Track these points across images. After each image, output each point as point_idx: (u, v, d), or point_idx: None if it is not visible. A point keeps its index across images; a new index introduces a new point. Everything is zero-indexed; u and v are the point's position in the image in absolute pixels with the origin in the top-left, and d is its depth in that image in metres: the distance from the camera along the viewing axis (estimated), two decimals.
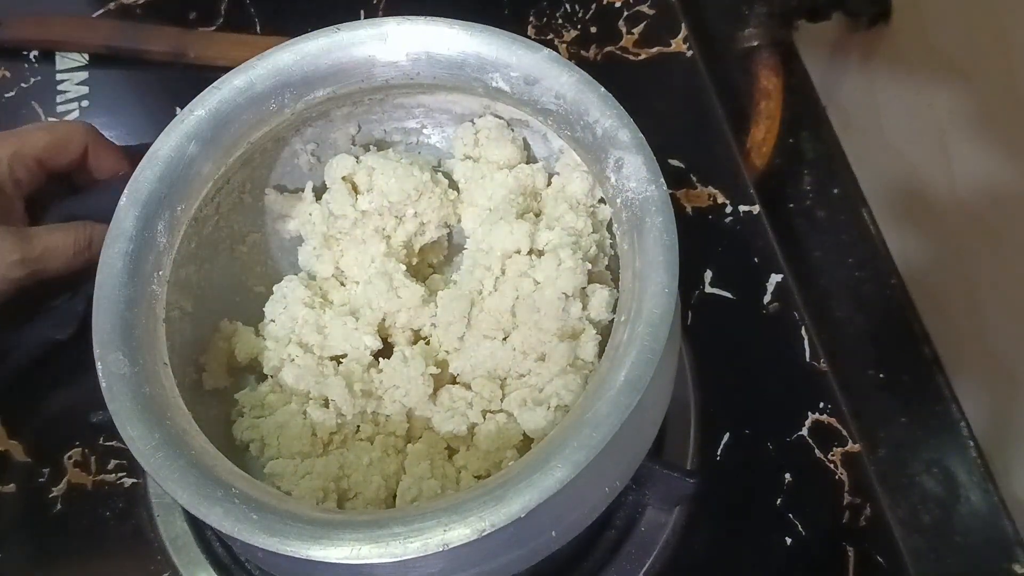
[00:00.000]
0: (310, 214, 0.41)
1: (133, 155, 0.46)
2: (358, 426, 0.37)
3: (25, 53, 0.61)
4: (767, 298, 0.50)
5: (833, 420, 0.47)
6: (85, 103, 0.59)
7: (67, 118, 0.58)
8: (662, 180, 0.33)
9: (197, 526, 0.44)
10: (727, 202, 0.53)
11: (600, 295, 0.36)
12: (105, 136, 0.47)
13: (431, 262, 0.43)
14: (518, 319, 0.36)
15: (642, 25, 0.59)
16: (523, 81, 0.36)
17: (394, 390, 0.37)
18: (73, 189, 0.47)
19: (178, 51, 0.59)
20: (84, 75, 0.60)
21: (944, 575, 0.52)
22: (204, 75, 0.37)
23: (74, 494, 0.46)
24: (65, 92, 0.60)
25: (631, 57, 0.59)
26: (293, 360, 0.38)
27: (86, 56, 0.61)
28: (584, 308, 0.36)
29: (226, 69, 0.37)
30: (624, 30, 0.59)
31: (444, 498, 0.30)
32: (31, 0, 0.63)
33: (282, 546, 0.28)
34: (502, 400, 0.36)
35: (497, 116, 0.40)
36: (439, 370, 0.37)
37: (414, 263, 0.42)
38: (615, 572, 0.43)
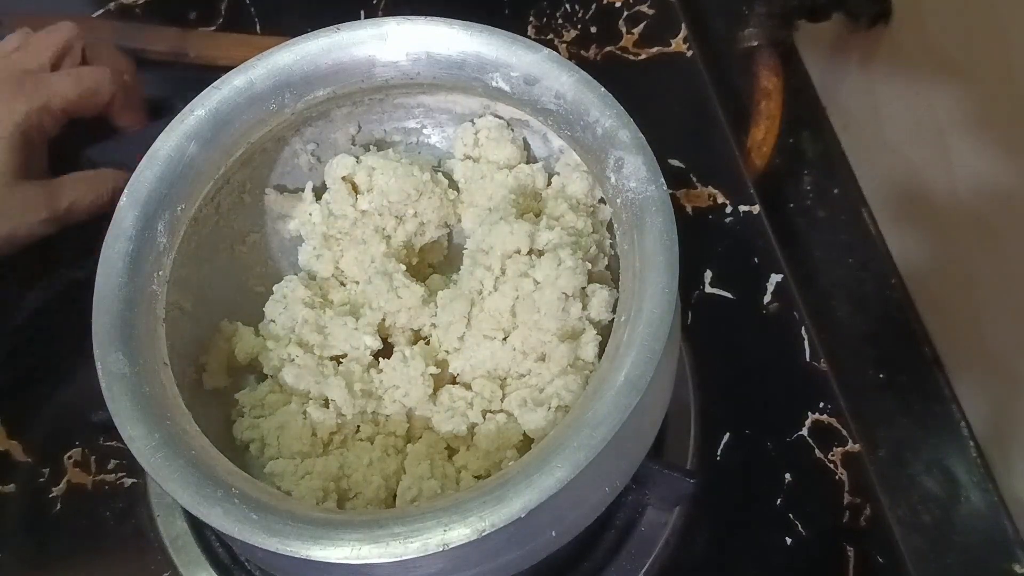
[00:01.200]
0: (310, 214, 0.41)
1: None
2: (358, 426, 0.37)
3: None
4: (767, 298, 0.50)
5: (833, 420, 0.47)
6: None
7: None
8: (662, 180, 0.33)
9: (197, 526, 0.44)
10: (727, 202, 0.53)
11: (600, 295, 0.36)
12: (132, 84, 0.49)
13: (431, 262, 0.43)
14: (518, 319, 0.36)
15: (642, 25, 0.59)
16: (523, 81, 0.36)
17: (394, 390, 0.37)
18: (93, 135, 0.49)
19: (178, 51, 0.59)
20: None
21: (944, 575, 0.52)
22: (204, 75, 0.37)
23: (74, 494, 0.46)
24: None
25: (631, 57, 0.59)
26: (293, 360, 0.38)
27: None
28: (584, 308, 0.36)
29: (226, 69, 0.37)
30: (624, 30, 0.59)
31: (444, 498, 0.30)
32: (31, 0, 0.63)
33: (282, 546, 0.28)
34: (502, 400, 0.36)
35: (497, 116, 0.40)
36: (439, 370, 0.37)
37: (414, 263, 0.42)
38: (615, 572, 0.43)
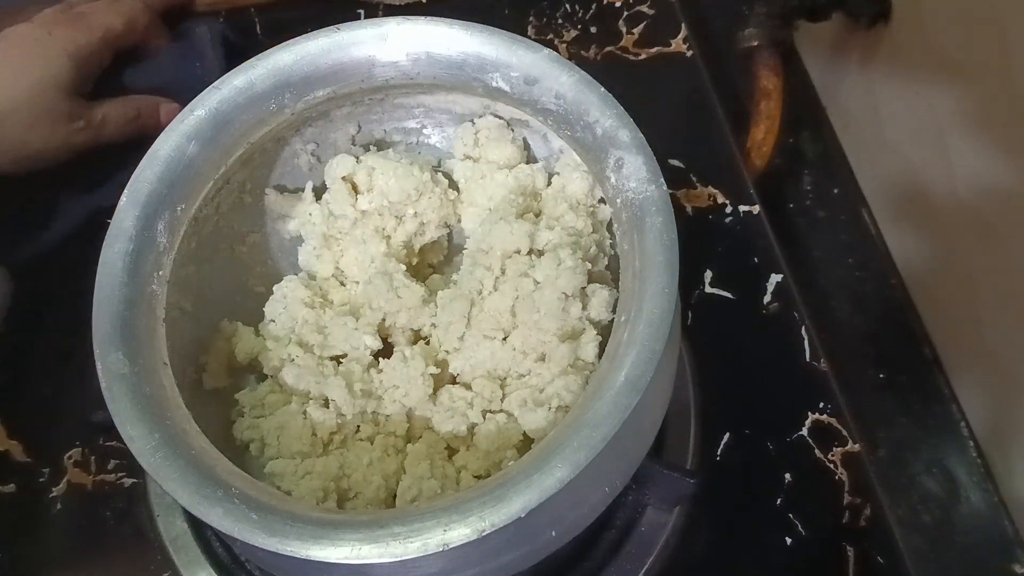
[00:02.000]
0: (310, 214, 0.41)
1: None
2: (358, 426, 0.37)
3: None
4: (767, 298, 0.50)
5: (833, 420, 0.47)
6: None
7: None
8: (662, 180, 0.33)
9: (197, 526, 0.44)
10: (727, 202, 0.53)
11: (600, 295, 0.36)
12: (157, 17, 0.55)
13: (431, 262, 0.43)
14: (518, 319, 0.36)
15: (642, 25, 0.59)
16: (523, 81, 0.36)
17: (394, 390, 0.37)
18: (122, 60, 0.53)
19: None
20: None
21: (944, 575, 0.52)
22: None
23: (74, 494, 0.46)
24: None
25: (631, 57, 0.59)
26: (293, 360, 0.38)
27: None
28: (584, 308, 0.36)
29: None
30: (624, 30, 0.60)
31: (444, 498, 0.30)
32: None
33: (282, 546, 0.28)
34: (502, 400, 0.36)
35: (497, 116, 0.40)
36: (439, 370, 0.37)
37: (414, 263, 0.42)
38: (615, 572, 0.43)
